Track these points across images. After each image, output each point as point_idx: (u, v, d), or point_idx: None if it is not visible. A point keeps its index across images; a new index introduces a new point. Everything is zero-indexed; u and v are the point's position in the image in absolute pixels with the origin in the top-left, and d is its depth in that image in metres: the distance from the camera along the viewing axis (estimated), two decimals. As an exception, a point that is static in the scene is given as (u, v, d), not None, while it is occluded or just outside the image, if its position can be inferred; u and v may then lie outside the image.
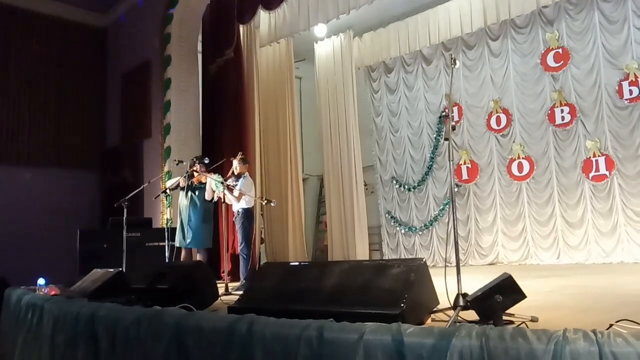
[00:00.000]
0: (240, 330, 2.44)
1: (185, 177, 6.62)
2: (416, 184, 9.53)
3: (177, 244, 6.65)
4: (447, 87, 8.98)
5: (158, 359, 2.79)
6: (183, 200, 6.68)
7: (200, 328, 2.64)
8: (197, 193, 6.61)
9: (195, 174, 6.58)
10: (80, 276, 5.34)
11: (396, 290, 2.69)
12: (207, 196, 6.58)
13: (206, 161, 6.57)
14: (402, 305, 2.56)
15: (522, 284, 2.68)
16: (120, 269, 5.01)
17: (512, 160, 8.35)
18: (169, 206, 8.62)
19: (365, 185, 9.68)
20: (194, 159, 6.74)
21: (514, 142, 8.37)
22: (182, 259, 6.65)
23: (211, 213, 6.73)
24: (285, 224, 9.06)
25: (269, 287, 3.39)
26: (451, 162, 3.43)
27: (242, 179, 6.46)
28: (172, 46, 9.36)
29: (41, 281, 5.59)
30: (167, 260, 6.91)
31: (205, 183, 6.60)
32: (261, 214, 8.87)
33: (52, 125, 10.39)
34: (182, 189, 6.72)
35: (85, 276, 5.07)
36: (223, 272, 6.62)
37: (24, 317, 4.47)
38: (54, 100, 10.46)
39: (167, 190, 7.00)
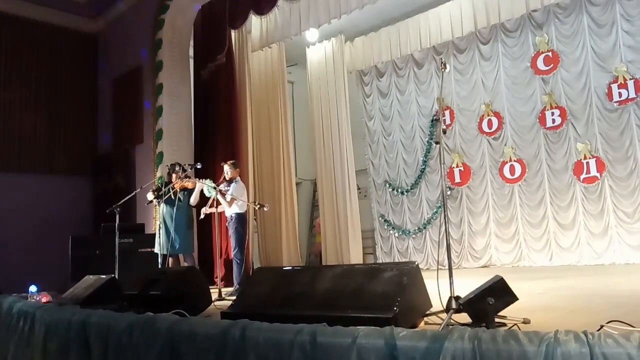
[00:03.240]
0: (233, 335, 2.43)
1: (164, 192, 6.65)
2: (409, 188, 9.55)
3: (163, 251, 6.62)
4: (439, 90, 9.02)
5: (151, 365, 2.78)
6: (165, 207, 6.68)
7: (194, 334, 2.64)
8: (180, 200, 6.60)
9: (178, 180, 6.57)
10: (72, 283, 5.32)
11: (389, 294, 2.69)
12: (193, 201, 6.61)
13: (198, 166, 6.54)
14: (394, 308, 2.56)
15: (514, 286, 2.69)
16: (113, 275, 4.98)
17: (504, 163, 8.40)
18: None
19: (359, 189, 9.70)
20: (172, 166, 6.73)
21: (505, 145, 8.42)
22: (170, 266, 6.62)
23: (193, 219, 6.78)
24: (278, 229, 9.05)
25: (262, 292, 3.38)
26: (443, 166, 3.45)
27: (233, 183, 6.45)
28: (164, 51, 9.34)
29: (33, 288, 5.56)
30: (159, 266, 6.88)
31: (187, 189, 6.61)
32: (254, 219, 8.86)
33: (43, 132, 10.33)
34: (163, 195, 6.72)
35: (78, 283, 5.04)
36: (216, 277, 6.61)
37: (16, 325, 4.43)
38: (45, 107, 10.40)
39: (149, 195, 6.96)
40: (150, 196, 6.82)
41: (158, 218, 6.91)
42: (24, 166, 10.00)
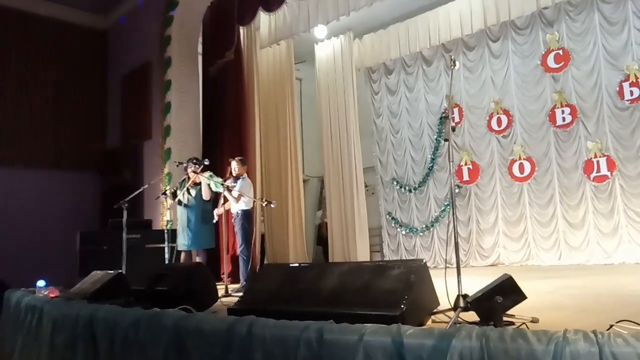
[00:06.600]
0: (239, 331, 2.43)
1: (180, 189, 6.66)
2: (417, 185, 9.52)
3: (179, 247, 6.65)
4: (448, 88, 8.97)
5: (157, 360, 2.78)
6: (181, 202, 6.69)
7: (200, 330, 2.64)
8: (193, 194, 6.60)
9: (192, 174, 6.56)
10: (80, 278, 5.34)
11: (396, 292, 2.68)
12: (205, 196, 6.56)
13: (206, 162, 6.55)
14: (402, 306, 2.55)
15: (523, 284, 2.67)
16: (120, 271, 5.00)
17: (513, 161, 8.34)
18: (169, 208, 8.62)
19: (366, 186, 9.68)
20: (188, 162, 6.72)
21: (514, 143, 8.36)
22: (182, 261, 6.64)
23: (210, 213, 6.71)
24: (285, 226, 9.05)
25: (269, 289, 3.38)
26: (451, 163, 3.43)
27: (240, 180, 6.45)
28: (173, 48, 9.36)
29: (41, 283, 5.59)
30: (166, 262, 6.90)
31: (200, 184, 6.58)
32: (262, 217, 8.86)
33: (52, 128, 10.39)
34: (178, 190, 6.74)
35: (85, 278, 5.06)
36: (223, 273, 6.62)
37: (24, 319, 4.47)
38: (54, 102, 10.46)
39: (167, 192, 7.00)
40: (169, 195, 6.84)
41: (178, 215, 6.92)
42: (33, 162, 10.07)
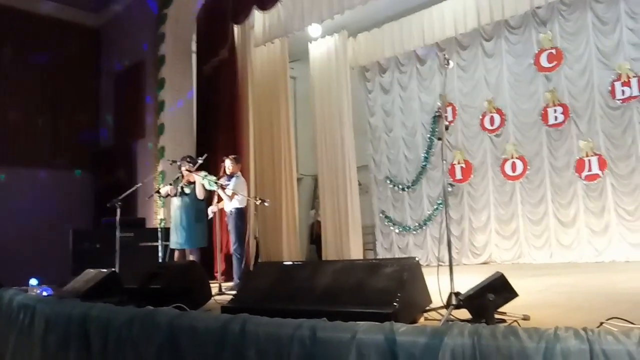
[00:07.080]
0: (233, 330, 2.44)
1: (174, 186, 6.63)
2: (410, 184, 9.54)
3: (171, 245, 6.63)
4: (442, 87, 9.00)
5: (151, 359, 2.79)
6: (175, 201, 6.66)
7: (194, 328, 2.64)
8: (187, 193, 6.58)
9: (186, 173, 6.54)
10: (73, 276, 5.33)
11: (389, 290, 2.70)
12: (199, 195, 6.54)
13: (200, 161, 6.52)
14: (394, 304, 2.57)
15: (515, 282, 2.69)
16: (113, 269, 5.00)
17: (506, 160, 8.38)
18: (162, 206, 8.60)
19: (360, 185, 9.68)
20: (182, 160, 6.69)
21: (507, 142, 8.40)
22: (175, 259, 6.62)
23: (204, 212, 6.69)
24: (279, 224, 9.04)
25: (262, 287, 3.39)
26: (444, 162, 3.45)
27: (234, 178, 6.44)
28: (166, 46, 9.33)
29: (33, 281, 5.57)
30: (160, 261, 6.89)
31: (194, 182, 6.56)
32: (255, 214, 8.85)
33: (45, 126, 10.34)
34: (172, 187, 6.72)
35: (78, 276, 5.06)
36: (217, 272, 6.62)
37: (16, 318, 4.44)
38: (48, 101, 10.41)
39: (161, 190, 6.98)
40: (164, 191, 6.82)
41: (171, 213, 6.89)
42: (26, 160, 10.02)
